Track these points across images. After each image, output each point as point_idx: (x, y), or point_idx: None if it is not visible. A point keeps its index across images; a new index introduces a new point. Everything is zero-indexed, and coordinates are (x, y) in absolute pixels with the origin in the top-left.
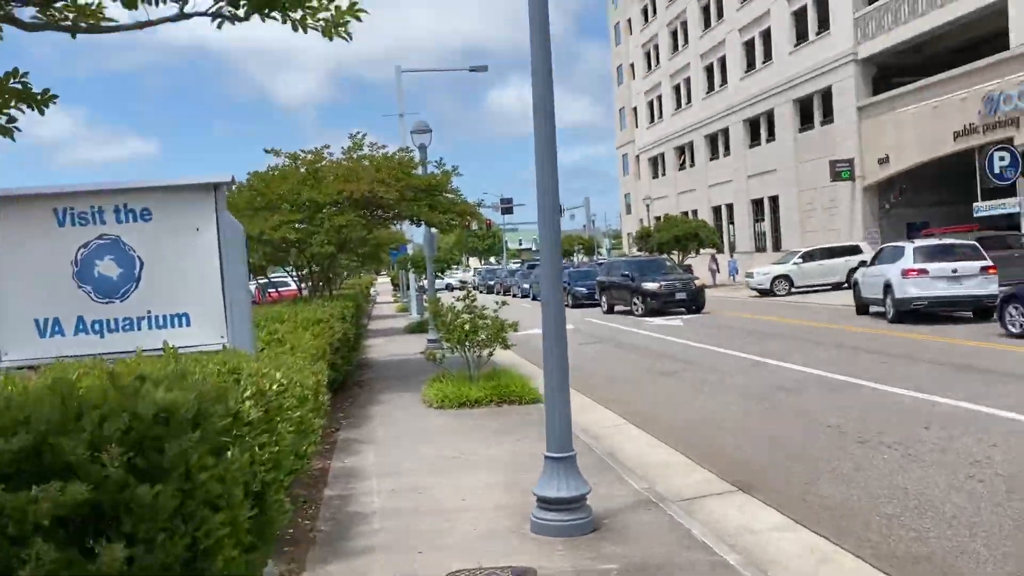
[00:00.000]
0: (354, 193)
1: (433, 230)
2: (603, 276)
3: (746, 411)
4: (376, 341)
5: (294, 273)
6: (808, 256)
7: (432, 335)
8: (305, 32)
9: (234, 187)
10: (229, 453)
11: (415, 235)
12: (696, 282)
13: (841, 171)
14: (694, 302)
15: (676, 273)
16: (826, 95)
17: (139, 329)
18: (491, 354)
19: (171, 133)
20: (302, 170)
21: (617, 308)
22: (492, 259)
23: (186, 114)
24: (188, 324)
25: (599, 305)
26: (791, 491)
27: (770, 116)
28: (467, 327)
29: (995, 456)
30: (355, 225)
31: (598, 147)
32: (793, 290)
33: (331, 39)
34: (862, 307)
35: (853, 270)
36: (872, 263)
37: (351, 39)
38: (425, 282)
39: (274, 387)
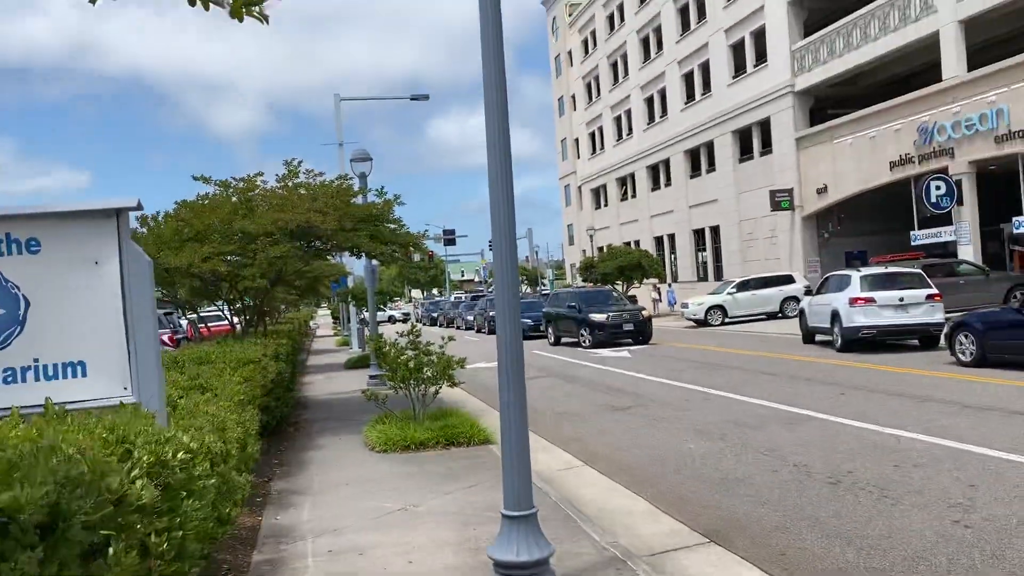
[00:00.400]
0: (289, 224)
1: (374, 262)
2: (550, 307)
3: (707, 450)
4: (315, 378)
5: (226, 308)
6: (742, 286)
7: (374, 371)
8: (207, 9)
9: (160, 216)
10: (110, 551)
11: (356, 267)
12: (643, 313)
13: (781, 201)
14: (641, 333)
15: (623, 304)
16: (765, 126)
17: (23, 381)
18: (437, 392)
19: (103, 163)
20: (234, 199)
21: (564, 340)
22: (435, 291)
23: (119, 145)
24: (84, 374)
25: (545, 337)
26: (767, 541)
27: (710, 147)
28: (411, 364)
29: (976, 498)
30: (290, 257)
31: (539, 178)
32: (727, 320)
33: (241, 20)
34: (808, 336)
35: (787, 300)
36: (818, 291)
37: (267, 22)
38: (366, 315)
39: (180, 455)
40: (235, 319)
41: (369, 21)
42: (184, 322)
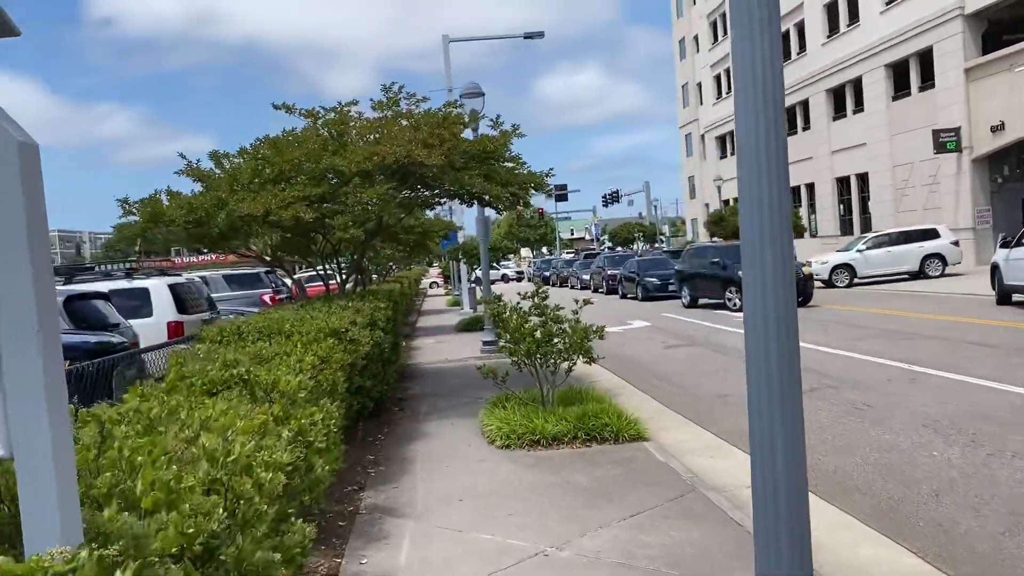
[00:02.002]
0: (387, 158)
1: (488, 211)
2: (685, 265)
3: (964, 460)
4: (425, 341)
5: (321, 265)
6: (876, 242)
7: (488, 335)
8: None
9: (235, 155)
10: None
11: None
12: (804, 270)
13: (946, 141)
14: (801, 293)
15: None
16: (926, 57)
17: None
18: (570, 369)
19: (224, 129)
20: (323, 132)
21: (702, 301)
22: (544, 249)
23: (238, 110)
24: None
25: (675, 297)
26: None
27: (857, 84)
28: (538, 335)
29: None
30: (389, 201)
31: (647, 134)
32: (856, 281)
33: None
34: (1004, 295)
35: (929, 257)
36: (1019, 243)
37: None
38: (478, 273)
39: None
40: (327, 278)
41: None
42: (288, 281)
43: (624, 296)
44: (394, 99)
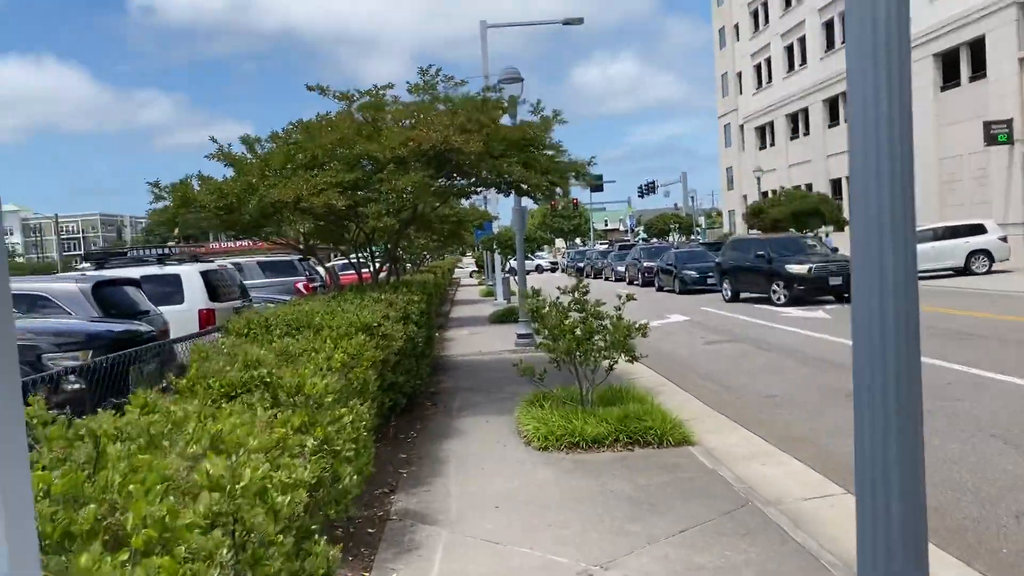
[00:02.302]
0: (423, 144)
1: (525, 201)
2: (726, 257)
3: None
4: (458, 333)
5: (354, 254)
6: (920, 237)
7: (522, 328)
8: None
9: (267, 139)
10: None
11: (503, 213)
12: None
13: (997, 134)
14: (849, 289)
15: (825, 253)
16: (976, 46)
17: None
18: (611, 368)
19: (263, 118)
20: (357, 116)
21: (744, 295)
22: (577, 240)
23: (276, 97)
24: None
25: (714, 291)
26: None
27: None
28: (578, 332)
29: None
30: (424, 188)
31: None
32: None
33: None
34: None
35: (974, 253)
36: None
37: None
38: (514, 263)
39: None
40: (359, 267)
41: None
42: (321, 269)
43: (660, 289)
44: (431, 83)
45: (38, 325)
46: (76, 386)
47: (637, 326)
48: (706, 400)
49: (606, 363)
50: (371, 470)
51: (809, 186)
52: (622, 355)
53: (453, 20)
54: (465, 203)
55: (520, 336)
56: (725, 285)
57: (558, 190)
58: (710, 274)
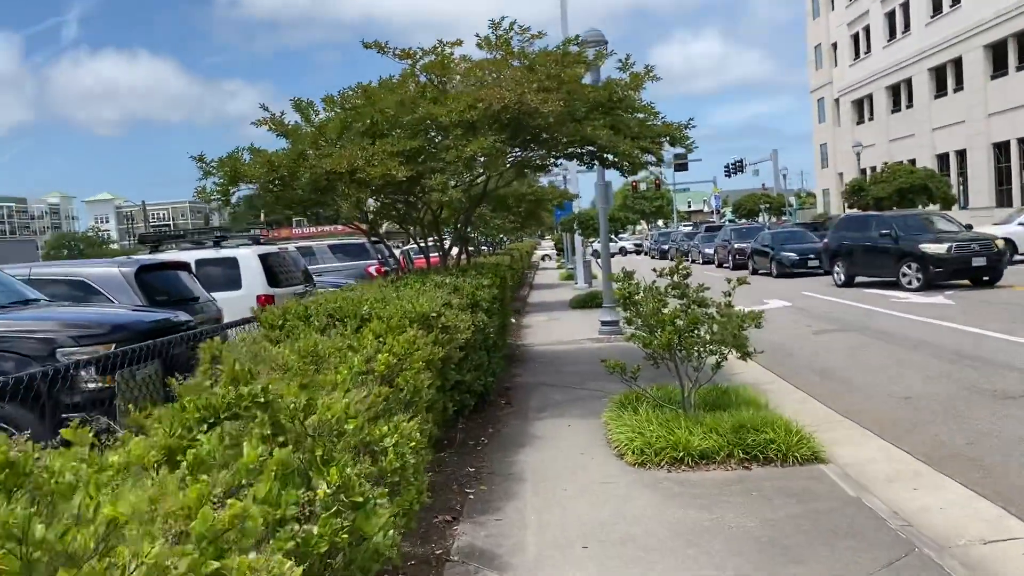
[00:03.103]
0: (494, 104)
1: (610, 175)
2: (837, 238)
3: None
4: (536, 319)
5: (421, 235)
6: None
7: (606, 315)
8: None
9: (320, 105)
10: None
11: (584, 191)
12: (997, 243)
13: None
14: (993, 270)
15: (961, 231)
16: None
17: None
18: (719, 366)
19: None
20: (421, 78)
21: (860, 279)
22: (659, 222)
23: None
24: None
25: (814, 274)
26: None
27: (1021, 38)
28: (680, 322)
29: None
30: (495, 156)
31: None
32: (1017, 257)
33: None
34: None
35: None
36: None
37: None
38: (596, 245)
39: None
40: (426, 249)
41: None
42: (398, 252)
43: (755, 272)
44: (504, 39)
45: (55, 314)
46: (96, 385)
47: (751, 316)
48: (828, 402)
49: (712, 359)
50: (426, 499)
51: (912, 162)
52: (733, 350)
53: (536, 2)
54: (543, 181)
55: (604, 324)
56: (837, 268)
57: (649, 158)
58: (811, 256)
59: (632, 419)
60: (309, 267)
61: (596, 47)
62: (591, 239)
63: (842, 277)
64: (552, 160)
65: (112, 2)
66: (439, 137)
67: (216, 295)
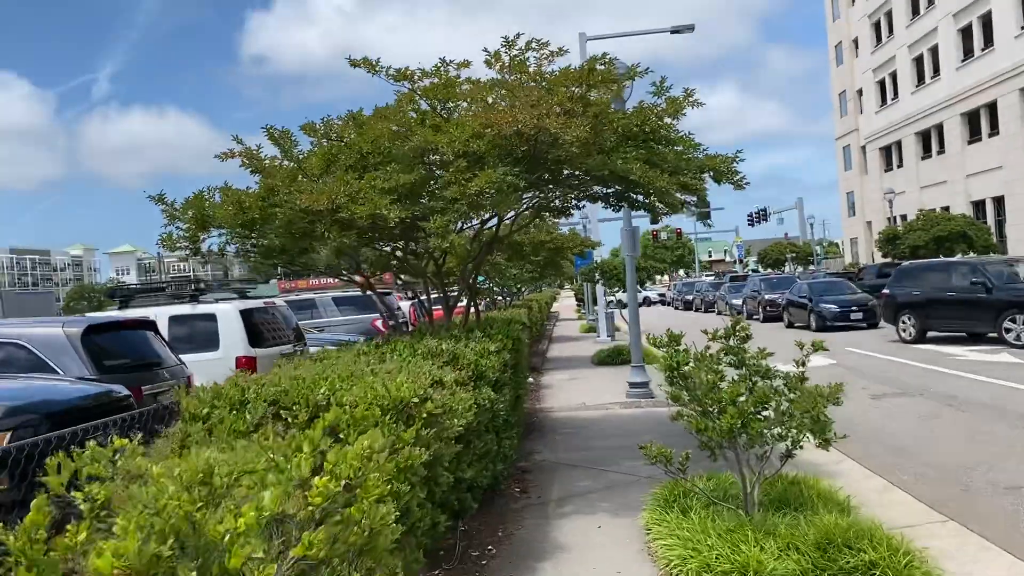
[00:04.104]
0: (505, 129)
1: (637, 219)
2: (904, 288)
3: None
4: (556, 377)
5: (421, 288)
6: None
7: (636, 376)
8: None
9: (301, 135)
10: None
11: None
12: None
13: None
14: None
15: None
16: None
17: None
18: (790, 455)
19: None
20: (421, 104)
21: (934, 334)
22: (680, 271)
23: None
24: None
25: (857, 328)
26: None
27: None
28: (744, 401)
29: None
30: (506, 193)
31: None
32: None
33: None
34: None
35: None
36: None
37: None
38: (621, 296)
39: None
40: (424, 301)
41: (607, 7)
42: (406, 304)
43: (791, 325)
44: (519, 60)
45: None
46: None
47: (830, 391)
48: (914, 490)
49: (782, 446)
50: None
51: (946, 209)
52: (808, 435)
53: (554, 41)
54: (564, 228)
55: (633, 386)
56: (905, 322)
57: (688, 198)
58: (853, 308)
59: (681, 524)
60: (310, 322)
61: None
62: (614, 289)
63: (911, 332)
64: (574, 202)
65: (142, 60)
66: (440, 172)
67: (190, 357)
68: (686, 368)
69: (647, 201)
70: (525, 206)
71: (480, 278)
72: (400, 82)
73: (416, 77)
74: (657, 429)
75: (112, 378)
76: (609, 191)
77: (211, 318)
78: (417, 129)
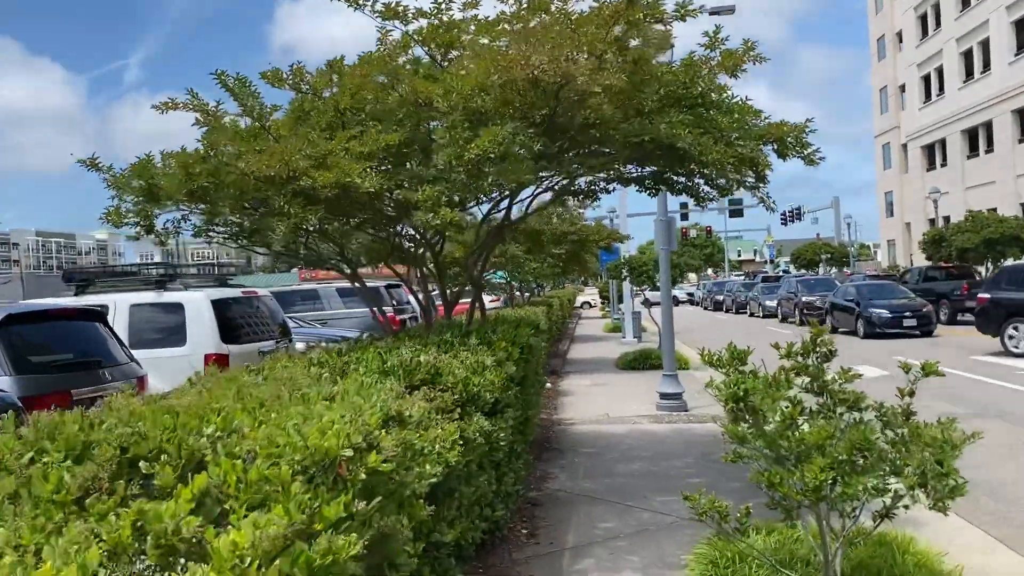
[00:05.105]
0: (517, 73)
1: (675, 206)
2: (1012, 293)
3: None
4: (577, 383)
5: (417, 281)
6: None
7: (667, 385)
8: None
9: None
10: None
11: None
12: None
13: None
14: None
15: None
16: None
17: None
18: (888, 516)
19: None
20: (416, 50)
21: None
22: (709, 271)
23: None
24: None
25: (910, 335)
26: None
27: None
28: (835, 447)
29: None
30: (519, 162)
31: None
32: None
33: None
34: None
35: None
36: None
37: None
38: (649, 294)
39: None
40: (420, 296)
41: None
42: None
43: (835, 330)
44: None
45: None
46: None
47: (954, 435)
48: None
49: (880, 501)
50: None
51: (993, 210)
52: (919, 493)
53: None
54: (589, 219)
55: (664, 396)
56: (1015, 332)
57: (747, 177)
58: (906, 314)
59: None
60: (313, 314)
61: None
62: (643, 287)
63: (1020, 344)
64: (602, 184)
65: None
66: (435, 137)
67: (152, 353)
68: (754, 400)
69: (689, 184)
70: (544, 186)
71: (499, 273)
72: (389, 21)
73: (410, 16)
74: (692, 452)
75: (35, 379)
76: (645, 173)
77: (178, 308)
78: (405, 76)
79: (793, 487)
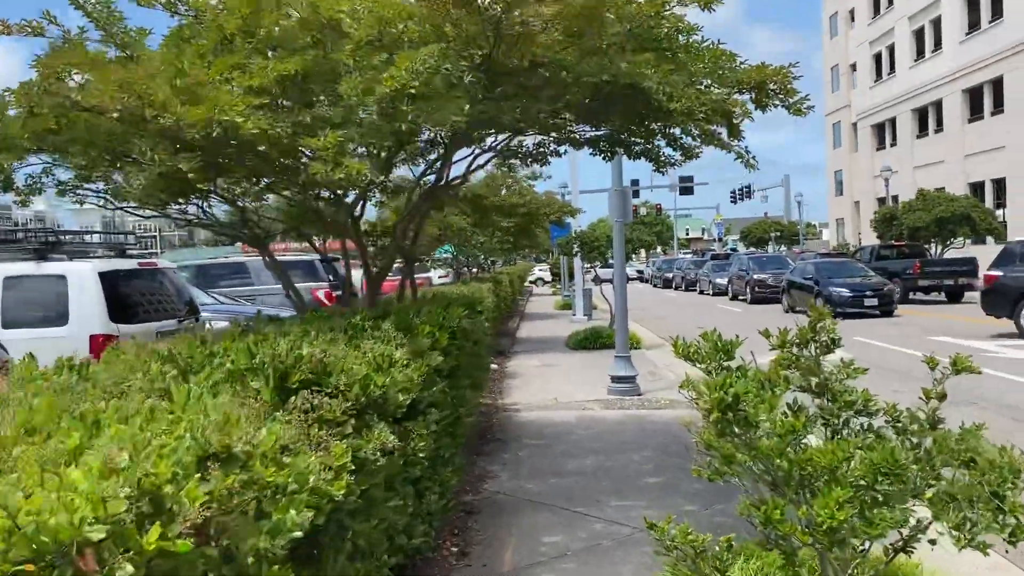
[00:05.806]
0: None
1: (625, 182)
2: (1017, 269)
3: None
4: (525, 363)
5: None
6: None
7: (620, 367)
8: None
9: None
10: None
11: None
12: None
13: None
14: None
15: None
16: None
17: None
18: (904, 551)
19: None
20: None
21: None
22: (658, 248)
23: None
24: None
25: (870, 315)
26: None
27: None
28: (847, 468)
29: None
30: (447, 99)
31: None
32: None
33: None
34: None
35: None
36: None
37: None
38: (601, 271)
39: None
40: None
41: None
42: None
43: (792, 309)
44: None
45: None
46: None
47: (1018, 456)
48: None
49: (901, 536)
50: None
51: (941, 190)
52: (949, 530)
53: None
54: (539, 190)
55: (616, 380)
56: (1018, 313)
57: (718, 130)
58: (867, 293)
59: None
60: (241, 290)
61: None
62: (594, 263)
63: None
64: (552, 146)
65: None
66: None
67: (28, 333)
68: (747, 409)
69: (649, 147)
70: (487, 145)
71: (446, 248)
72: None
73: None
74: (649, 444)
75: None
76: (600, 133)
77: (60, 281)
78: None
79: (797, 525)
